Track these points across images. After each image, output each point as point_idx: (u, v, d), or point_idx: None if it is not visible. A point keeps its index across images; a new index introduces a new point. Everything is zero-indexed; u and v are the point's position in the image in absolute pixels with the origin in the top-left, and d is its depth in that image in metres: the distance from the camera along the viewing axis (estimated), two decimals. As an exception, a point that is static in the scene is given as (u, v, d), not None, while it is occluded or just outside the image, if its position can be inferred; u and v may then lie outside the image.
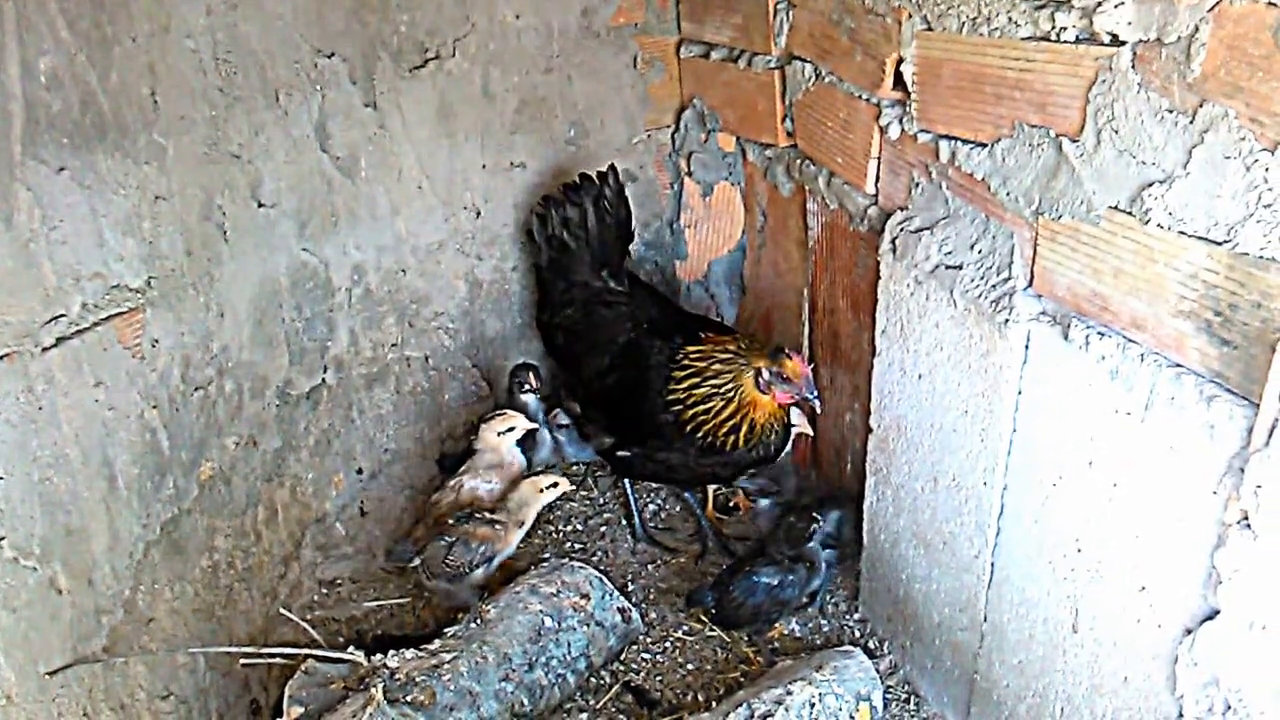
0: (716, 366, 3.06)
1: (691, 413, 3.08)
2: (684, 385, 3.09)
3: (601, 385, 3.45)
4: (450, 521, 3.25)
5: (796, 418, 3.52)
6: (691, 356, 3.12)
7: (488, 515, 3.26)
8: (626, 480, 3.60)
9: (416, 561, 3.22)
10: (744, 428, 3.06)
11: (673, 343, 3.21)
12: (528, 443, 3.65)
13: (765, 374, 2.99)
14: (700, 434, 3.09)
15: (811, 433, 3.58)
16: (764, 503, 3.45)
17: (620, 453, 3.42)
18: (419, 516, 3.53)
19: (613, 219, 3.54)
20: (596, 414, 3.54)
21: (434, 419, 3.77)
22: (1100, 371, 1.95)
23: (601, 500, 3.86)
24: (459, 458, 3.64)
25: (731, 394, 3.04)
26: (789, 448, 3.61)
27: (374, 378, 3.51)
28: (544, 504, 3.34)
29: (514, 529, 3.27)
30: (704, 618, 3.21)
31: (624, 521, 3.74)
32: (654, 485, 3.86)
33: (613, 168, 3.56)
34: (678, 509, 3.80)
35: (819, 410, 3.11)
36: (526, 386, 3.73)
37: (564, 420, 3.80)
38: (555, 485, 3.34)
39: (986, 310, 2.25)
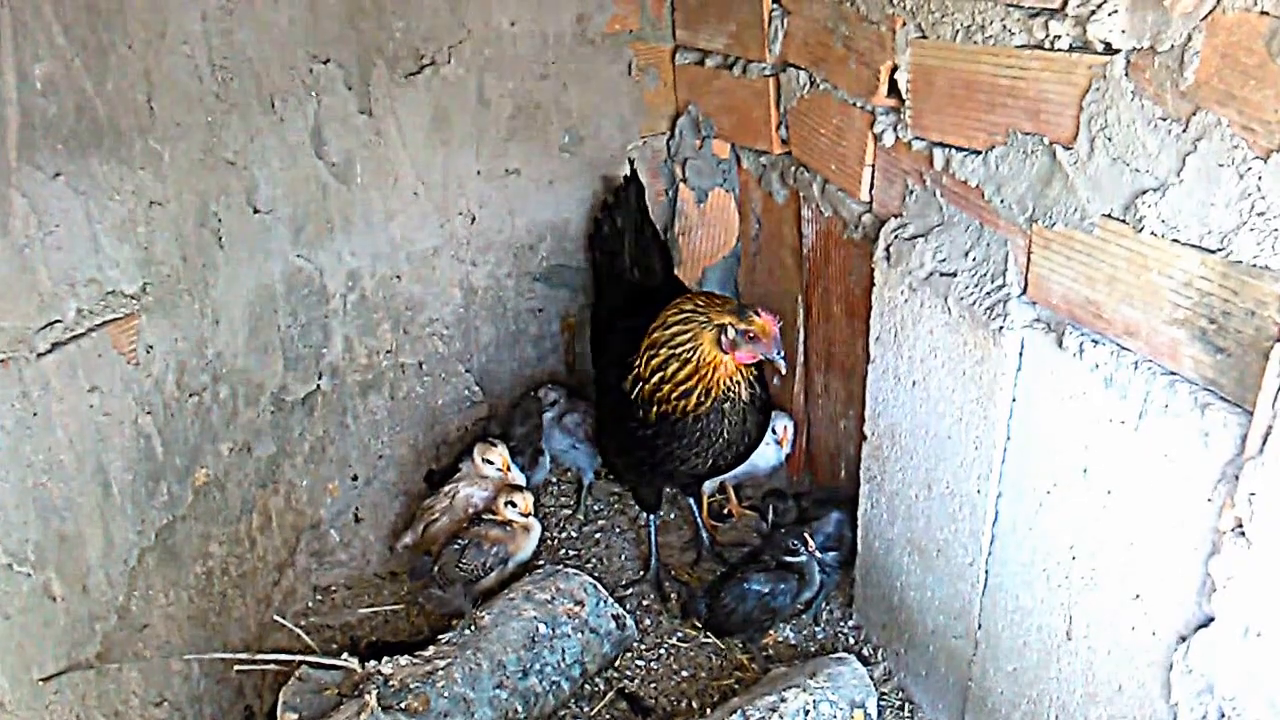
0: (674, 329, 2.84)
1: (649, 385, 2.89)
2: (644, 359, 2.91)
3: (598, 383, 3.49)
4: (465, 525, 3.29)
5: (781, 426, 3.50)
6: (654, 329, 2.91)
7: (496, 518, 3.27)
8: (652, 519, 3.51)
9: (435, 569, 3.22)
10: (698, 390, 2.84)
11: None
12: (529, 462, 3.66)
13: (730, 331, 2.78)
14: (657, 407, 2.89)
15: (789, 451, 3.58)
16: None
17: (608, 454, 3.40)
18: (408, 522, 3.53)
19: (635, 218, 3.58)
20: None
21: (428, 425, 3.76)
22: (1094, 379, 1.95)
23: (597, 507, 3.86)
24: (446, 472, 3.64)
25: (689, 354, 2.82)
26: (779, 461, 3.61)
27: (369, 384, 3.51)
28: (511, 517, 3.30)
29: (521, 533, 3.27)
30: (697, 625, 3.21)
31: (618, 535, 3.74)
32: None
33: (632, 172, 3.60)
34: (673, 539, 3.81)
35: (784, 371, 2.89)
36: (531, 413, 3.71)
37: (555, 395, 3.78)
38: (512, 504, 3.30)
39: (981, 317, 2.26)
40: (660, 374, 2.86)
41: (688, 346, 2.82)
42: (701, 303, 2.86)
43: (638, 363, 2.93)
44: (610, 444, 3.39)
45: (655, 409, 2.91)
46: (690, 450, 2.95)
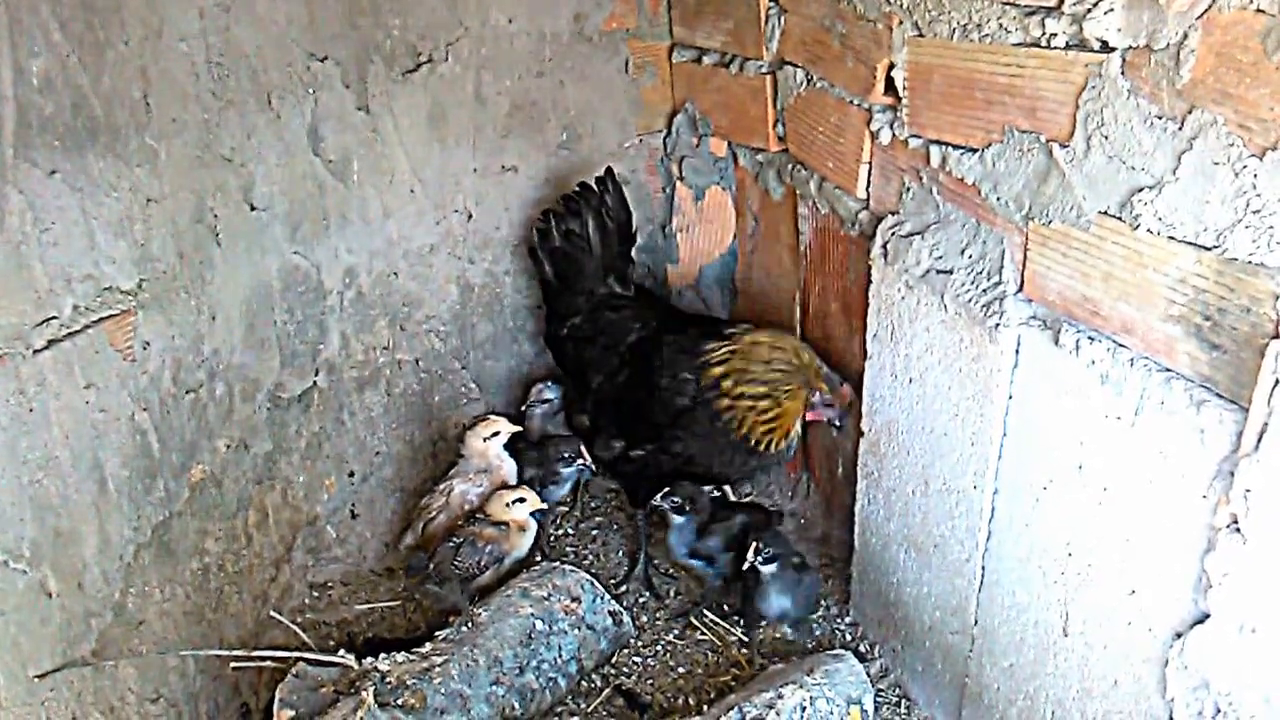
0: (778, 373, 3.11)
1: (735, 403, 3.12)
2: (730, 373, 3.14)
3: (613, 386, 3.44)
4: (460, 524, 3.27)
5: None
6: (742, 345, 3.16)
7: (492, 517, 3.26)
8: (640, 514, 3.52)
9: (430, 566, 3.21)
10: (778, 432, 3.15)
11: (694, 335, 3.28)
12: (547, 477, 3.58)
13: (819, 396, 3.09)
14: (738, 426, 3.13)
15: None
16: (679, 519, 3.28)
17: (635, 452, 3.35)
18: (407, 522, 3.53)
19: (614, 224, 3.53)
20: (607, 419, 3.49)
21: (424, 421, 3.77)
22: (1090, 376, 1.96)
23: (594, 504, 3.86)
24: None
25: (785, 399, 3.11)
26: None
27: (365, 380, 3.51)
28: (517, 518, 3.26)
29: (517, 531, 3.26)
30: (695, 620, 3.23)
31: (615, 531, 3.74)
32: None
33: (609, 171, 3.55)
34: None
35: (836, 433, 3.24)
36: (568, 458, 3.54)
37: (549, 395, 3.75)
38: (522, 500, 3.26)
39: (977, 314, 2.26)
40: (749, 402, 3.12)
41: (786, 394, 3.11)
42: (805, 358, 3.12)
43: (714, 374, 3.16)
44: (645, 457, 3.36)
45: (730, 424, 3.15)
46: (738, 458, 3.26)
